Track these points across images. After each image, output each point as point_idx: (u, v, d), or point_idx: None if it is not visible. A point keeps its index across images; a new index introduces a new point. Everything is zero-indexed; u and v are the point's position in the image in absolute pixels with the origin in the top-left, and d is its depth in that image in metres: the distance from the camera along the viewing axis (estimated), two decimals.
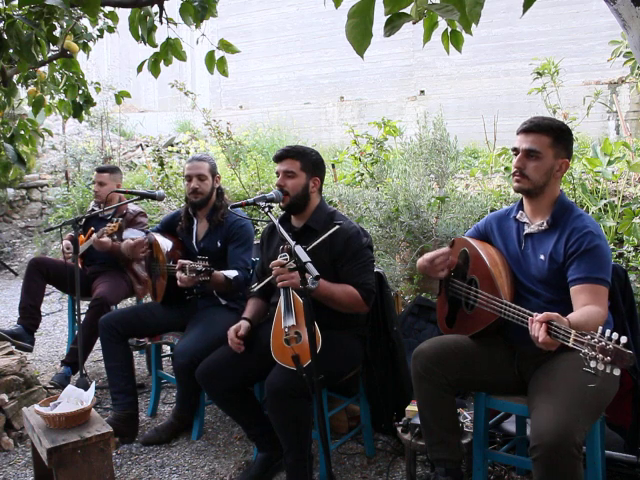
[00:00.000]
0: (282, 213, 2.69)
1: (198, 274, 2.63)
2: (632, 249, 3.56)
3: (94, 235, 3.57)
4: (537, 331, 1.75)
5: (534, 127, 2.07)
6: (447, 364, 2.11)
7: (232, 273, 2.85)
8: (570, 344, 1.66)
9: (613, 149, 4.14)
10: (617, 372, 1.54)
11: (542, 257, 2.08)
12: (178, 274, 2.75)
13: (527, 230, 2.16)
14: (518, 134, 2.12)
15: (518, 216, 2.20)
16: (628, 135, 5.83)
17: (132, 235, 3.51)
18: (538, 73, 4.80)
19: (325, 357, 2.10)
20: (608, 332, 1.59)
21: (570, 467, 1.71)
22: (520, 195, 2.23)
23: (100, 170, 4.03)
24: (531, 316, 1.84)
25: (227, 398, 2.55)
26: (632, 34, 1.94)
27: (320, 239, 2.32)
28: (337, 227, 2.33)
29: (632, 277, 3.31)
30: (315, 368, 1.99)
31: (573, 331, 1.67)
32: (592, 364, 1.58)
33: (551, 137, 2.06)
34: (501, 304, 2.02)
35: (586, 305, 1.92)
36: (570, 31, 7.89)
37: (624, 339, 1.56)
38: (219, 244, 3.05)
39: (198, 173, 3.06)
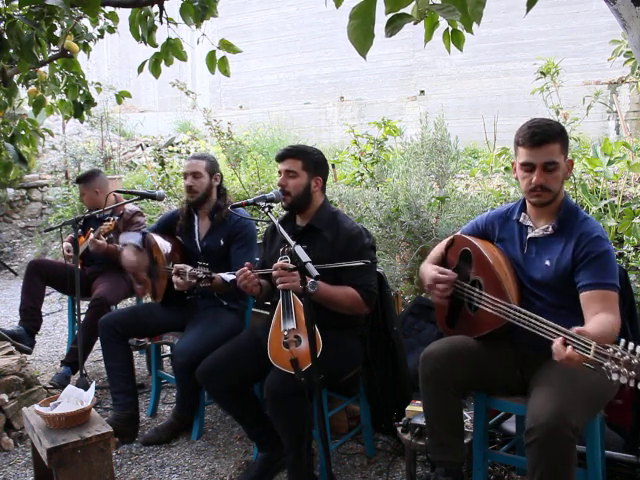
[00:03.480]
0: (284, 213, 2.68)
1: (199, 281, 2.64)
2: (632, 249, 3.56)
3: (91, 235, 3.56)
4: (561, 347, 1.73)
5: (545, 137, 1.99)
6: (456, 366, 2.10)
7: (230, 276, 2.82)
8: (591, 356, 1.64)
9: (613, 149, 4.14)
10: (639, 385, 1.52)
11: (547, 262, 2.06)
12: (174, 278, 2.74)
13: (531, 234, 2.13)
14: (524, 147, 2.03)
15: (521, 219, 2.17)
16: (628, 135, 5.83)
17: (128, 240, 3.48)
18: (542, 73, 4.79)
19: (325, 357, 2.09)
20: (632, 345, 1.57)
21: (565, 449, 1.71)
22: (520, 194, 2.22)
23: (77, 181, 3.99)
24: (544, 324, 1.82)
25: (227, 397, 2.55)
26: (632, 34, 1.94)
27: (341, 264, 2.32)
28: (363, 264, 2.36)
29: (632, 277, 3.31)
30: (316, 369, 1.99)
31: (594, 343, 1.64)
32: (614, 377, 1.56)
33: (559, 142, 2.02)
34: (509, 309, 1.99)
35: (598, 313, 1.90)
36: (570, 31, 7.89)
37: None
38: (222, 242, 3.04)
39: (193, 171, 3.05)
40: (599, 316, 1.89)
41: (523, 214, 2.18)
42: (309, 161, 2.52)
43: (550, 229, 2.09)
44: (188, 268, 2.69)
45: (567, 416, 1.71)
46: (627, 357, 1.55)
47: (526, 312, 1.94)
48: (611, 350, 1.59)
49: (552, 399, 1.76)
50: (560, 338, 1.74)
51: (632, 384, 1.53)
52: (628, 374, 1.53)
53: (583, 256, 1.99)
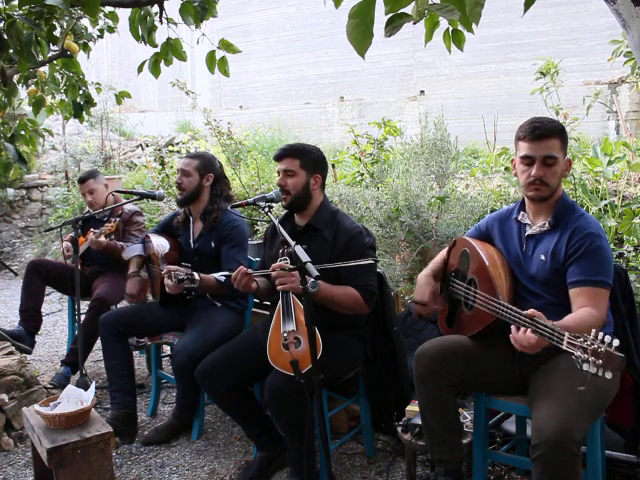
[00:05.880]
0: (284, 212, 2.68)
1: (180, 282, 2.61)
2: (632, 249, 3.56)
3: (92, 235, 3.55)
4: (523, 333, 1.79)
5: (546, 132, 2.03)
6: (450, 365, 2.11)
7: (222, 276, 2.76)
8: (564, 347, 1.66)
9: (613, 149, 4.14)
10: (609, 375, 1.53)
11: (543, 257, 2.08)
12: (165, 280, 2.73)
13: (529, 231, 2.15)
14: (525, 140, 2.06)
15: (520, 217, 2.19)
16: (628, 135, 5.83)
17: (130, 254, 3.46)
18: (542, 73, 4.79)
19: (325, 359, 2.09)
20: (601, 335, 1.58)
21: (569, 464, 1.71)
22: (521, 194, 2.23)
23: (83, 180, 3.91)
24: (528, 318, 1.83)
25: (227, 398, 2.55)
26: (632, 34, 1.94)
27: (345, 264, 2.30)
28: (372, 262, 2.35)
29: (632, 277, 3.31)
30: (316, 370, 1.99)
31: (567, 333, 1.66)
32: (585, 367, 1.57)
33: (560, 139, 2.05)
34: (498, 305, 2.01)
35: (582, 307, 1.92)
36: (570, 31, 7.89)
37: (616, 342, 1.55)
38: (213, 244, 3.02)
39: (182, 168, 3.04)
40: (581, 310, 1.91)
41: (522, 213, 2.20)
42: (307, 159, 2.52)
43: (547, 225, 2.11)
44: (175, 269, 2.66)
45: (571, 431, 1.72)
46: (595, 346, 1.55)
47: (513, 307, 1.94)
48: (581, 339, 1.60)
49: (556, 413, 1.77)
50: (515, 326, 1.83)
51: (600, 373, 1.53)
52: (596, 362, 1.54)
53: (574, 250, 2.00)
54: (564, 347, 1.66)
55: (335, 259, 2.41)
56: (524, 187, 2.11)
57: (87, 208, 4.17)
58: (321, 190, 2.59)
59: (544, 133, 2.03)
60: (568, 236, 2.03)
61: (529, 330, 1.77)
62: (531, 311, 1.80)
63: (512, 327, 1.85)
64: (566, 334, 1.66)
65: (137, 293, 3.13)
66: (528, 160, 2.06)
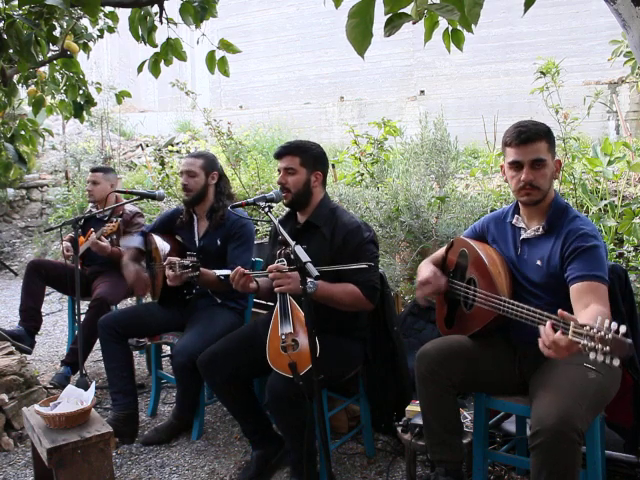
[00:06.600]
0: (286, 211, 2.67)
1: (185, 269, 2.59)
2: (632, 249, 3.57)
3: (92, 235, 3.55)
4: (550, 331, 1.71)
5: (532, 136, 2.03)
6: (451, 365, 2.11)
7: (223, 272, 2.76)
8: (570, 336, 1.65)
9: (613, 149, 4.15)
10: (616, 362, 1.51)
11: (539, 262, 2.08)
12: (166, 271, 2.72)
13: (523, 235, 2.15)
14: (511, 146, 2.06)
15: (514, 221, 2.19)
16: (628, 135, 5.84)
17: (129, 243, 3.45)
18: (542, 73, 4.79)
19: (325, 361, 2.08)
20: (607, 322, 1.56)
21: (570, 452, 1.71)
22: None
23: (93, 170, 4.02)
24: (530, 311, 1.83)
25: (226, 389, 2.54)
26: (632, 34, 1.95)
27: (342, 267, 2.28)
28: (365, 266, 2.32)
29: (632, 277, 3.31)
30: (316, 371, 1.99)
31: (572, 322, 1.64)
32: (592, 355, 1.55)
33: (546, 141, 2.05)
34: (500, 301, 2.01)
35: (589, 305, 1.88)
36: (570, 31, 7.90)
37: (623, 328, 1.53)
38: (219, 242, 3.03)
39: (187, 169, 3.04)
40: (592, 307, 1.86)
41: (516, 216, 2.20)
42: (307, 157, 2.51)
43: (540, 229, 2.11)
44: (177, 259, 2.66)
45: (573, 419, 1.71)
46: (602, 333, 1.54)
47: (514, 302, 1.94)
48: (587, 328, 1.58)
49: (557, 402, 1.76)
50: (550, 322, 1.73)
51: (608, 360, 1.52)
52: (603, 349, 1.52)
53: (571, 251, 2.00)
54: (570, 337, 1.64)
55: (334, 255, 2.40)
56: (515, 192, 2.12)
57: (90, 206, 4.20)
58: (322, 187, 2.57)
59: (530, 137, 2.03)
60: (562, 240, 2.03)
61: (559, 332, 1.70)
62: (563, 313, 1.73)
63: (539, 339, 1.76)
64: (571, 323, 1.64)
65: (135, 280, 3.10)
66: (516, 165, 2.06)
